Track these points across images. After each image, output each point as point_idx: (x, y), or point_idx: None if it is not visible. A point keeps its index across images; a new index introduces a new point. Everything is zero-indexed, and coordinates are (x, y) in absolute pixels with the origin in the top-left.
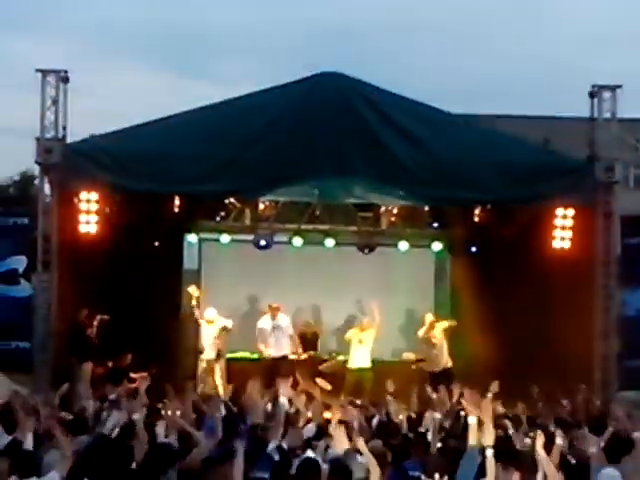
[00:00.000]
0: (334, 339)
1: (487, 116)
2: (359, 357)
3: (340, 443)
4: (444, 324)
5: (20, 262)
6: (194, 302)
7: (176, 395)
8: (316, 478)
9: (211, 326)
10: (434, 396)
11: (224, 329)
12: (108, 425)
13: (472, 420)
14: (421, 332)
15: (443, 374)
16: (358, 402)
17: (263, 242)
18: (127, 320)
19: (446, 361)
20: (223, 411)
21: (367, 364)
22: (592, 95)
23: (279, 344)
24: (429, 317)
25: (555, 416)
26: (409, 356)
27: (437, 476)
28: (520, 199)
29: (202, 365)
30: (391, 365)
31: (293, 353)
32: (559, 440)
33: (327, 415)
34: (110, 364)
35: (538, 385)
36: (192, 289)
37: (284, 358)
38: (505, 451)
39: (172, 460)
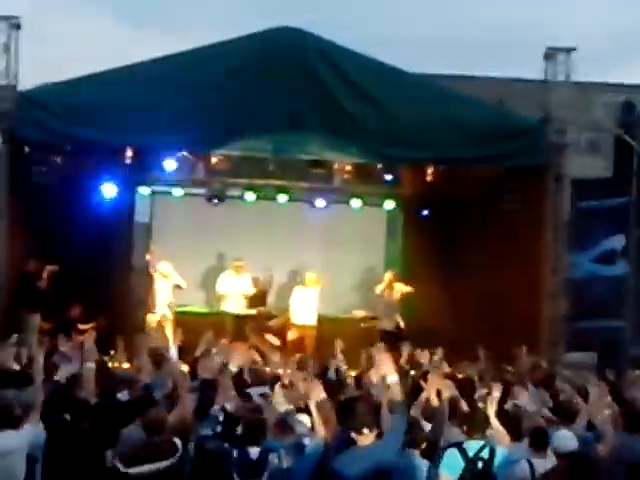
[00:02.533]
0: (283, 295)
1: (442, 76)
2: (303, 313)
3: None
4: (402, 286)
5: None
6: (147, 257)
7: (125, 348)
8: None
9: (165, 280)
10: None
11: (177, 287)
12: (59, 376)
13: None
14: (379, 289)
15: (395, 333)
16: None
17: (216, 197)
18: (77, 272)
19: (399, 321)
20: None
21: (312, 321)
22: (547, 57)
23: (237, 301)
24: (388, 275)
25: (500, 377)
26: (359, 313)
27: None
28: (473, 160)
29: (153, 319)
30: (340, 322)
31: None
32: (496, 393)
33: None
34: (59, 316)
35: (486, 346)
36: (148, 244)
37: (238, 315)
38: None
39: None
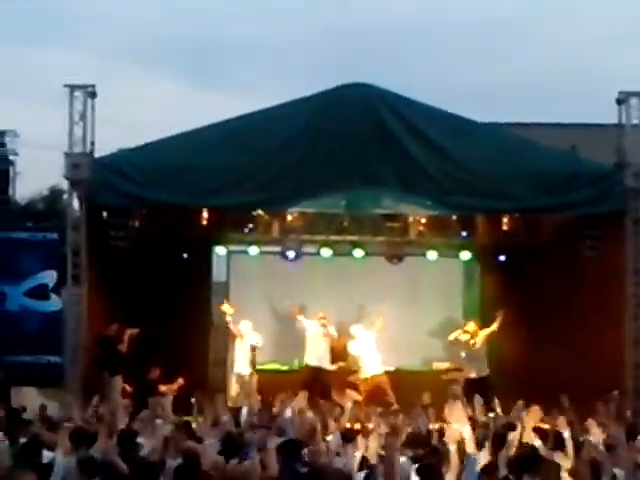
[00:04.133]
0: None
1: (514, 124)
2: (369, 365)
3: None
4: (487, 330)
5: (50, 277)
6: (229, 318)
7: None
8: None
9: (244, 340)
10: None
11: (253, 349)
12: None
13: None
14: (453, 336)
15: (480, 382)
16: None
17: (291, 253)
18: (156, 334)
19: (486, 369)
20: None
21: (379, 370)
22: (619, 102)
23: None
24: (472, 324)
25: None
26: (440, 365)
27: None
28: (549, 208)
29: (234, 379)
30: (421, 375)
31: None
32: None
33: (357, 426)
34: (140, 378)
35: (569, 395)
36: (226, 307)
37: (321, 369)
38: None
39: None
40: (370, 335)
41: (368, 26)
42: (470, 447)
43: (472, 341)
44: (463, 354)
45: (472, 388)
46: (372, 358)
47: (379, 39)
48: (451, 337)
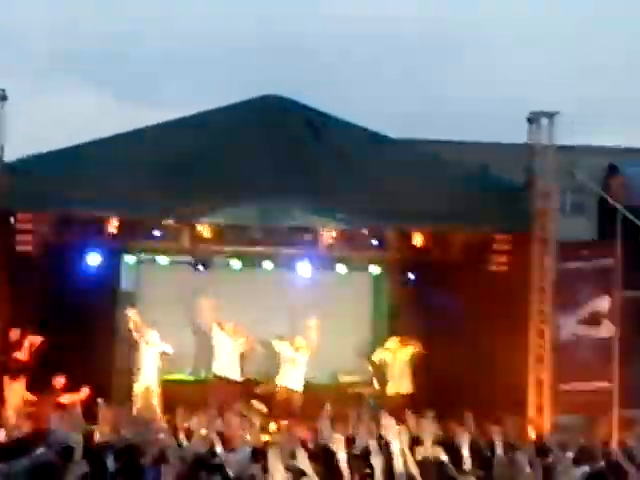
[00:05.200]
0: (267, 362)
1: (426, 141)
2: (290, 377)
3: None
4: (411, 349)
5: None
6: (131, 325)
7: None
8: None
9: (151, 349)
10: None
11: (164, 354)
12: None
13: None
14: (377, 356)
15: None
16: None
17: (201, 264)
18: (61, 341)
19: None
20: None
21: (298, 386)
22: (530, 121)
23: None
24: (394, 340)
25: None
26: (346, 378)
27: None
28: (459, 226)
29: (139, 388)
30: (327, 388)
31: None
32: None
33: (264, 438)
34: (43, 386)
35: (472, 411)
36: (132, 312)
37: (229, 380)
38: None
39: None
40: (304, 352)
41: (289, 40)
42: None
43: (393, 358)
44: (370, 368)
45: (397, 404)
46: (295, 374)
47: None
48: (375, 357)
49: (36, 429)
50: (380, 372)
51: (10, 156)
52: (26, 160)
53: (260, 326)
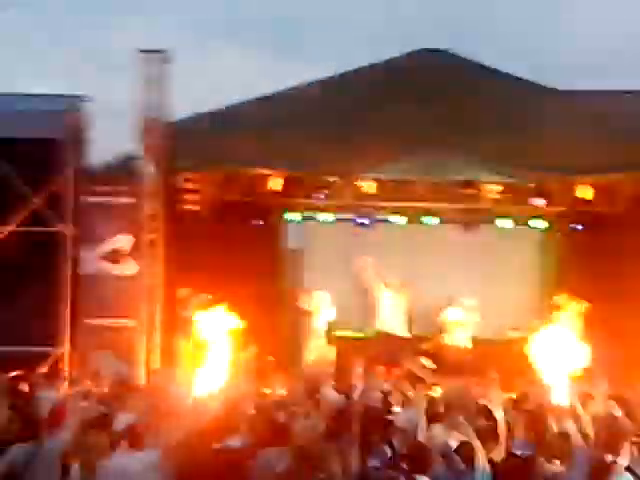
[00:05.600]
0: (434, 318)
1: (584, 92)
2: (457, 334)
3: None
4: (578, 306)
5: (126, 241)
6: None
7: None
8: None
9: (319, 315)
10: None
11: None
12: None
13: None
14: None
15: None
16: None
17: (365, 221)
18: (228, 299)
19: None
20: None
21: (466, 342)
22: None
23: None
24: (563, 297)
25: None
26: (515, 335)
27: None
28: (623, 176)
29: (310, 349)
30: (496, 344)
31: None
32: None
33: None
34: None
35: None
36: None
37: (395, 336)
38: None
39: None
40: (469, 313)
41: None
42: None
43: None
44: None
45: None
46: (463, 332)
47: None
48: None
49: None
50: None
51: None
52: (191, 120)
53: (425, 283)
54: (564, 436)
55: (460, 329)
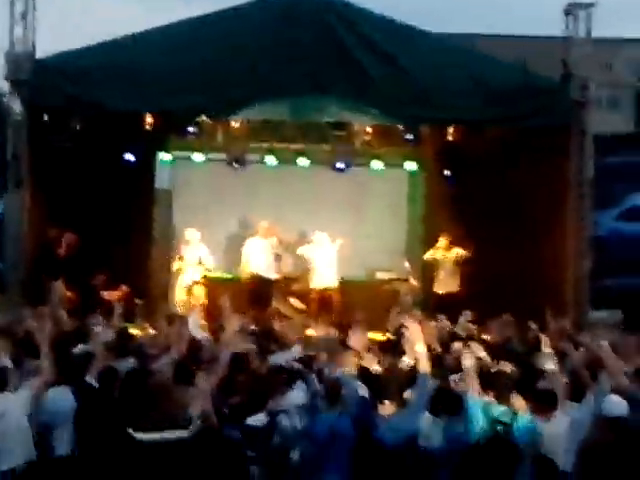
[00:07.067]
0: (304, 258)
1: (463, 35)
2: (325, 274)
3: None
4: (460, 250)
5: None
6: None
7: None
8: None
9: (192, 248)
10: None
11: (199, 261)
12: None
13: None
14: (428, 254)
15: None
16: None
17: (236, 162)
18: (97, 239)
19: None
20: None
21: (334, 283)
22: (567, 13)
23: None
24: (443, 239)
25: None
26: (383, 275)
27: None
28: (495, 120)
29: (179, 286)
30: (363, 285)
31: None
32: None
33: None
34: (82, 284)
35: (513, 309)
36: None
37: (264, 278)
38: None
39: None
40: (332, 247)
41: None
42: (424, 366)
43: (444, 256)
44: (406, 264)
45: (442, 303)
46: (326, 269)
47: None
48: (427, 256)
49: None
50: (429, 271)
51: (42, 54)
52: (58, 56)
53: (295, 223)
54: None
55: (328, 269)
